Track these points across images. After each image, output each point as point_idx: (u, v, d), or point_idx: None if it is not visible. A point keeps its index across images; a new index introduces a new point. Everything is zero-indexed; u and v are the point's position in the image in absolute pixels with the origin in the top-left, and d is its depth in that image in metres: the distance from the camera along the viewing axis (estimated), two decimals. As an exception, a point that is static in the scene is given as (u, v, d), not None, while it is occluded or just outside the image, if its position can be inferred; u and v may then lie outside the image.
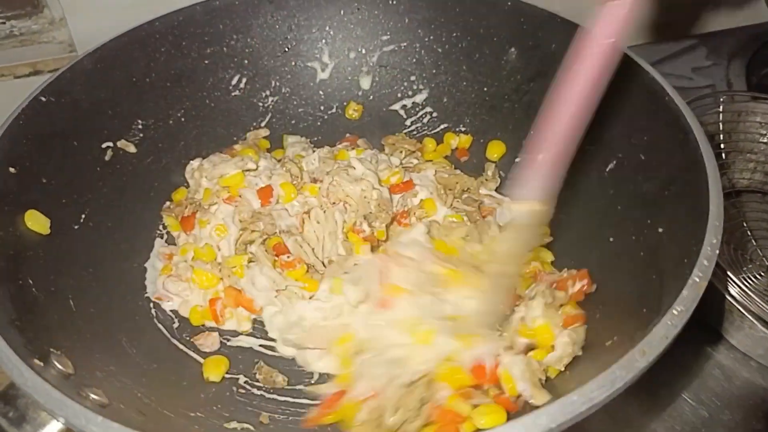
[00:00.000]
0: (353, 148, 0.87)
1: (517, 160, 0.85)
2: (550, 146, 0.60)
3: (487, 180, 0.86)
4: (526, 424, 0.43)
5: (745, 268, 0.82)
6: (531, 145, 0.62)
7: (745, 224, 0.86)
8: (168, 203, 0.83)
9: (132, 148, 0.81)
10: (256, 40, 0.88)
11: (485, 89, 0.88)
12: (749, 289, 0.74)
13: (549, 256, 0.76)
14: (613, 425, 0.72)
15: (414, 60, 0.91)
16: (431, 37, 0.89)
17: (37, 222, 0.68)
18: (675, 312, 0.49)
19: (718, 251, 0.53)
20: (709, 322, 0.79)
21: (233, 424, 0.64)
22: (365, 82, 0.93)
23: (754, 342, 0.75)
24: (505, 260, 0.68)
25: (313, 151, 0.86)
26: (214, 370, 0.69)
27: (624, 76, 0.72)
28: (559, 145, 0.60)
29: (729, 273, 0.73)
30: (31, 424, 0.52)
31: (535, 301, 0.66)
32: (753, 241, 0.85)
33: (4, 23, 0.95)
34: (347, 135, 0.92)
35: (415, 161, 0.87)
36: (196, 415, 0.63)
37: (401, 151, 0.88)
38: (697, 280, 0.51)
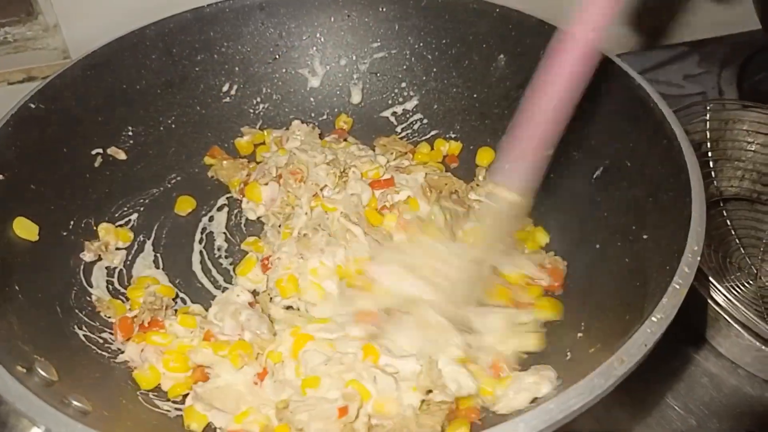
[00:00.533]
0: (343, 140, 0.88)
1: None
2: (529, 141, 0.61)
3: (477, 185, 0.86)
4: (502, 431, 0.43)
5: (732, 277, 0.82)
6: (511, 139, 0.63)
7: (733, 232, 0.86)
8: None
9: (122, 155, 0.82)
10: (246, 47, 0.89)
11: (475, 96, 0.89)
12: (736, 298, 0.74)
13: (544, 238, 0.77)
14: (601, 433, 0.72)
15: (404, 67, 0.91)
16: (421, 44, 0.89)
17: (25, 229, 0.69)
18: (654, 319, 0.49)
19: (699, 258, 0.53)
20: (696, 331, 0.78)
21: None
22: (356, 89, 0.93)
23: (741, 350, 0.75)
24: (479, 246, 0.68)
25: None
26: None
27: (610, 83, 0.73)
28: (538, 140, 0.61)
29: (715, 281, 0.73)
30: (13, 431, 0.52)
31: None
32: (741, 249, 0.84)
33: (-1, 30, 0.96)
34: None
35: (407, 163, 0.87)
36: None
37: (392, 153, 0.87)
38: (678, 287, 0.51)
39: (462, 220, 0.78)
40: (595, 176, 0.74)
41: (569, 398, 0.45)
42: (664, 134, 0.64)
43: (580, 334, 0.64)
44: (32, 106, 0.72)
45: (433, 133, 0.92)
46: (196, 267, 0.79)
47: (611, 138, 0.72)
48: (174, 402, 0.65)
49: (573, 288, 0.70)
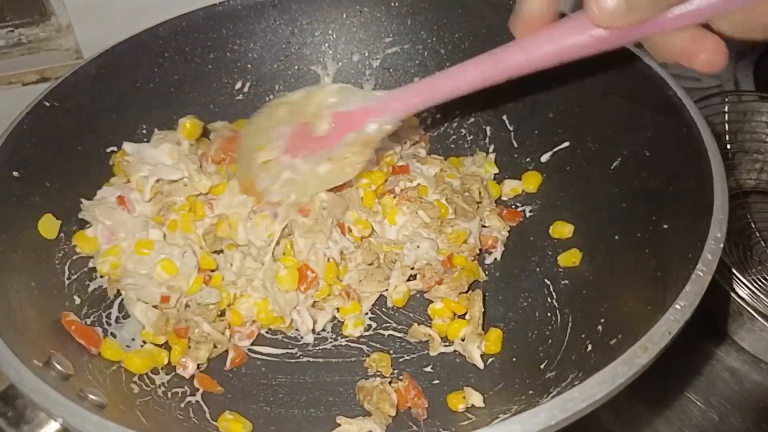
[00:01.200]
0: None
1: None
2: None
3: (483, 164, 0.86)
4: (523, 420, 0.42)
5: (754, 270, 0.81)
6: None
7: (753, 225, 0.85)
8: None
9: (137, 153, 0.82)
10: (258, 45, 0.88)
11: (488, 89, 0.88)
12: (758, 291, 0.73)
13: (569, 230, 0.76)
14: (621, 428, 0.71)
15: (417, 62, 0.91)
16: (434, 39, 0.89)
17: (46, 227, 0.69)
18: (678, 307, 0.48)
19: (722, 245, 0.52)
20: (718, 325, 0.77)
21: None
22: (368, 85, 0.92)
23: (764, 344, 0.74)
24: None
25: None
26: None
27: (627, 72, 0.72)
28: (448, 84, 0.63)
29: (738, 274, 0.72)
30: (30, 424, 0.52)
31: None
32: (761, 242, 0.83)
33: (12, 31, 0.96)
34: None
35: (423, 152, 0.86)
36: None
37: (406, 141, 0.86)
38: (701, 274, 0.50)
39: (457, 220, 0.77)
40: (612, 167, 0.72)
41: (592, 387, 0.44)
42: (683, 122, 0.63)
43: (600, 327, 0.63)
44: (47, 104, 0.73)
45: (446, 126, 0.91)
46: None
47: (629, 128, 0.71)
48: (191, 394, 0.65)
49: (592, 280, 0.69)
